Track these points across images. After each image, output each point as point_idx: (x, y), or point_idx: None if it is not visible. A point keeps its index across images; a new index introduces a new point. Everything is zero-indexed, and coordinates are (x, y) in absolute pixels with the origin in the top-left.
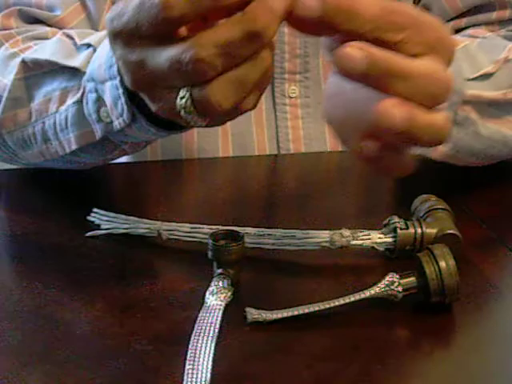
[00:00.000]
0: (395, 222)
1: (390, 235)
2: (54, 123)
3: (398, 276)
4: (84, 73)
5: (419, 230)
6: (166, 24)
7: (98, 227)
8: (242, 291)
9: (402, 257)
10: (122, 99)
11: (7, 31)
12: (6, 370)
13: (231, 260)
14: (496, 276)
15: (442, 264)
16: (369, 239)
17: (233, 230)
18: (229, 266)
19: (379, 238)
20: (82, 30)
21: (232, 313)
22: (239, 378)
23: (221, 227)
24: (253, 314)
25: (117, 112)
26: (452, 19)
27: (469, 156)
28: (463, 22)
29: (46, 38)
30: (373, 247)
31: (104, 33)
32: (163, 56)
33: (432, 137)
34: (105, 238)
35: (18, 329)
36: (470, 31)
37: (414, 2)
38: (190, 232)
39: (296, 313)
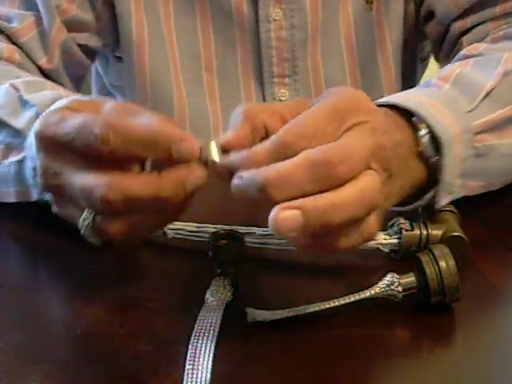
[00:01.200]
0: (401, 224)
1: (396, 236)
2: None
3: (397, 276)
4: (26, 136)
5: (424, 232)
6: (97, 152)
7: None
8: (242, 291)
9: (403, 257)
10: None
11: None
12: (6, 370)
13: (231, 260)
14: (496, 276)
15: (442, 264)
16: (374, 240)
17: (233, 230)
18: (229, 266)
19: (384, 239)
20: (31, 80)
21: (232, 313)
22: (239, 378)
23: (226, 227)
24: (253, 314)
25: None
26: (456, 19)
27: (500, 177)
28: (468, 21)
29: (1, 58)
30: (378, 248)
31: (50, 93)
32: (79, 179)
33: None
34: None
35: (18, 329)
36: (464, 51)
37: (415, 5)
38: (195, 232)
39: (295, 313)
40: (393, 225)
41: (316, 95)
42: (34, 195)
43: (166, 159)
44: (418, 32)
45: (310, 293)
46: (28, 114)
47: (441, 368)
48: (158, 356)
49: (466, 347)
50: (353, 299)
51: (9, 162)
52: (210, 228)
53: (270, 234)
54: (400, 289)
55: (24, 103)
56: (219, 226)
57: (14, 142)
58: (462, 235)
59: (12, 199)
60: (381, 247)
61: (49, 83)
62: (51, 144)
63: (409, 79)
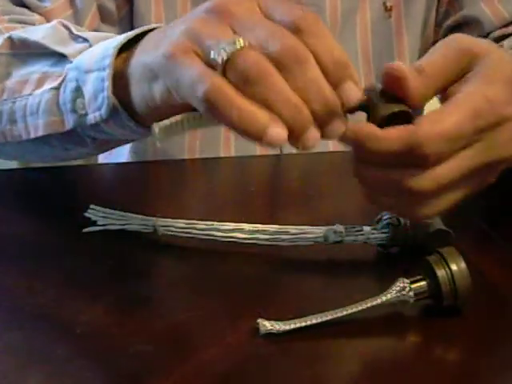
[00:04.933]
0: (387, 218)
1: (383, 231)
2: (25, 105)
3: (408, 281)
4: (70, 62)
5: (411, 226)
6: None
7: (95, 224)
8: (238, 289)
9: (398, 253)
10: (105, 93)
11: None
12: (6, 369)
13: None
14: (496, 276)
15: (454, 267)
16: (362, 235)
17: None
18: None
19: (372, 233)
20: (77, 26)
21: (228, 311)
22: (240, 377)
23: (216, 223)
24: (265, 325)
25: (95, 105)
26: (497, 28)
27: None
28: (509, 28)
29: (33, 25)
30: (366, 242)
31: (101, 34)
32: None
33: None
34: (105, 238)
35: (18, 329)
36: None
37: (437, 13)
38: (185, 228)
39: (309, 322)
40: (380, 220)
41: None
42: (69, 123)
43: None
44: (435, 39)
45: (308, 290)
46: (79, 45)
47: (446, 370)
48: (158, 356)
49: (470, 348)
50: (364, 306)
51: (41, 91)
52: (200, 224)
53: (259, 230)
54: (412, 294)
55: (75, 38)
56: (209, 223)
57: (50, 70)
58: (448, 229)
59: (40, 132)
60: (368, 242)
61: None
62: None
63: None
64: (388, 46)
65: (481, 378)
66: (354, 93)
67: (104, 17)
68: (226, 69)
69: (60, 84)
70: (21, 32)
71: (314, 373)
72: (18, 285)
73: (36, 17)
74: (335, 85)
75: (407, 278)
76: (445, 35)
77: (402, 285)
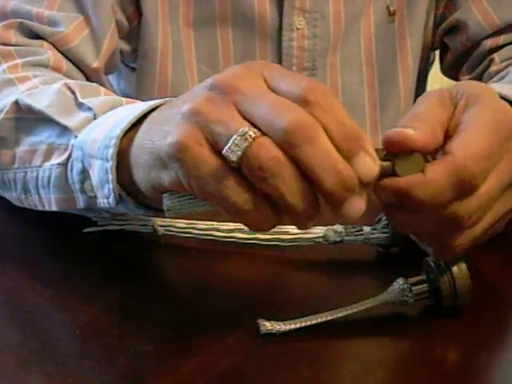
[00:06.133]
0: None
1: (383, 231)
2: (37, 177)
3: (408, 282)
4: (75, 136)
5: None
6: None
7: (95, 224)
8: (239, 289)
9: (398, 253)
10: (110, 185)
11: (6, 48)
12: (6, 370)
13: None
14: (496, 276)
15: (454, 268)
16: (361, 235)
17: None
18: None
19: (372, 233)
20: (86, 84)
21: (229, 311)
22: (240, 377)
23: (216, 223)
24: (265, 325)
25: (102, 193)
26: (488, 36)
27: None
28: (501, 39)
29: (47, 66)
30: (365, 242)
31: (108, 98)
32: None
33: None
34: (104, 238)
35: (17, 329)
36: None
37: (435, 16)
38: (185, 228)
39: (309, 322)
40: (380, 220)
41: None
42: (80, 203)
43: None
44: (433, 42)
45: (319, 300)
46: (82, 115)
47: (446, 370)
48: (158, 356)
49: (470, 349)
50: (364, 306)
51: (50, 165)
52: (200, 224)
53: None
54: (411, 294)
55: (79, 105)
56: (209, 223)
57: (57, 142)
58: None
59: (53, 207)
60: (368, 242)
61: (102, 89)
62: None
63: (419, 88)
64: (391, 50)
65: (481, 378)
66: (370, 166)
67: (120, 31)
68: (240, 164)
69: (67, 160)
70: (27, 96)
71: (313, 373)
72: (17, 285)
73: (49, 53)
74: (348, 159)
75: (407, 278)
76: (440, 38)
77: (401, 285)
